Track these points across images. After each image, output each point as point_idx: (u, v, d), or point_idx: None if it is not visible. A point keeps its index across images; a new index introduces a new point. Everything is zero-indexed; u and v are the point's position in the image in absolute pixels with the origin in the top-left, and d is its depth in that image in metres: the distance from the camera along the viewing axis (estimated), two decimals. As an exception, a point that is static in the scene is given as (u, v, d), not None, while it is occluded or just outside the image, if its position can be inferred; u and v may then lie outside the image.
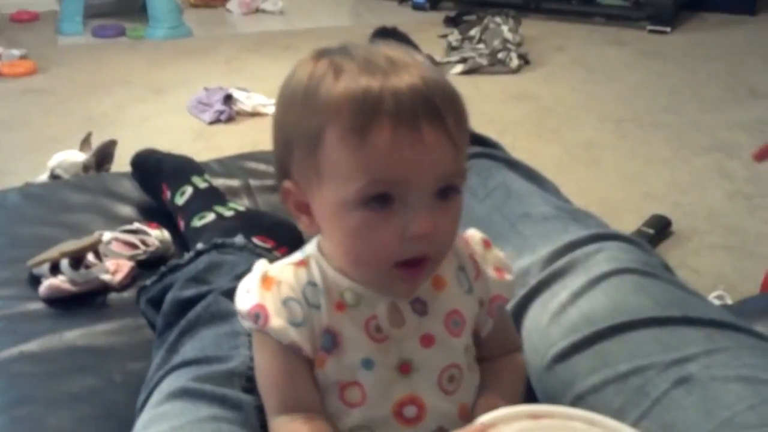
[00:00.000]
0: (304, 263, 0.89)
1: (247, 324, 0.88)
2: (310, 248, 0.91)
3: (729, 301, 1.94)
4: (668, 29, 4.66)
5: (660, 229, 2.49)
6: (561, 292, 1.13)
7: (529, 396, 1.07)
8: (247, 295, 0.88)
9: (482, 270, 0.94)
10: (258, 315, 0.86)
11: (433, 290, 0.90)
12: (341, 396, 0.88)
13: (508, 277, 0.96)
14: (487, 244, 0.97)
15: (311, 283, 0.88)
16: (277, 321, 0.85)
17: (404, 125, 0.77)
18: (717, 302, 1.88)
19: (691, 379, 0.94)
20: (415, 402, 0.88)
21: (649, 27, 4.69)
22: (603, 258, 1.15)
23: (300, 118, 0.82)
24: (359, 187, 0.78)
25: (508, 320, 1.02)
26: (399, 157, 0.77)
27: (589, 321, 1.07)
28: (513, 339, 1.03)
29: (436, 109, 0.78)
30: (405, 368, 0.88)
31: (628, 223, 2.50)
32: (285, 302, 0.86)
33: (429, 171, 0.79)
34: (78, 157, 2.45)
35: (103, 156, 2.45)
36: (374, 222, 0.80)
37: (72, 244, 1.51)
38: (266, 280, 0.88)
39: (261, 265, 0.91)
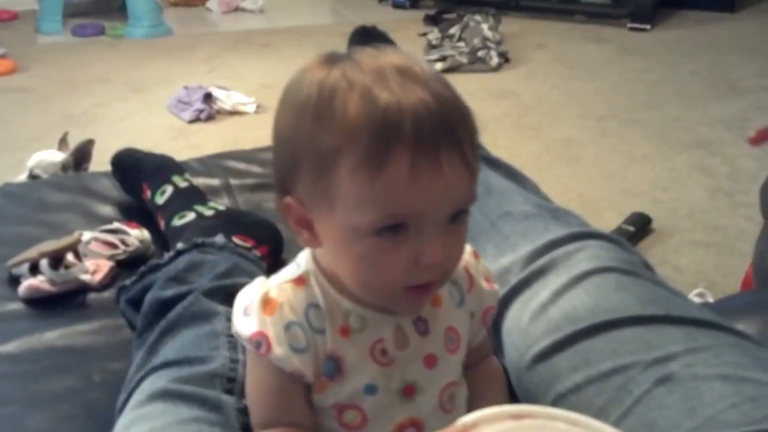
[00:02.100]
0: (303, 281, 0.86)
1: (246, 346, 0.85)
2: (304, 262, 0.88)
3: (710, 299, 1.94)
4: (648, 26, 4.68)
5: (641, 226, 2.49)
6: (542, 291, 1.13)
7: (510, 396, 1.07)
8: (247, 319, 0.84)
9: (476, 281, 0.94)
10: (260, 343, 0.82)
11: (432, 308, 0.89)
12: (339, 418, 0.86)
13: (496, 286, 0.97)
14: (476, 256, 0.96)
15: (314, 305, 0.84)
16: (279, 349, 0.82)
17: (423, 157, 0.73)
18: (698, 300, 1.88)
19: (673, 378, 0.94)
20: (415, 424, 0.88)
21: (630, 24, 4.71)
22: (584, 257, 1.15)
23: (311, 135, 0.76)
24: (373, 219, 0.75)
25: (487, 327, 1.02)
26: (417, 191, 0.73)
27: (571, 320, 1.06)
28: (489, 344, 1.03)
29: (455, 135, 0.75)
30: (409, 390, 0.87)
31: (609, 220, 2.50)
32: (287, 327, 0.83)
33: (446, 201, 0.76)
34: (56, 156, 2.43)
35: (81, 155, 2.44)
36: (386, 249, 0.76)
37: (51, 244, 1.50)
38: (267, 304, 0.83)
39: (260, 284, 0.87)
